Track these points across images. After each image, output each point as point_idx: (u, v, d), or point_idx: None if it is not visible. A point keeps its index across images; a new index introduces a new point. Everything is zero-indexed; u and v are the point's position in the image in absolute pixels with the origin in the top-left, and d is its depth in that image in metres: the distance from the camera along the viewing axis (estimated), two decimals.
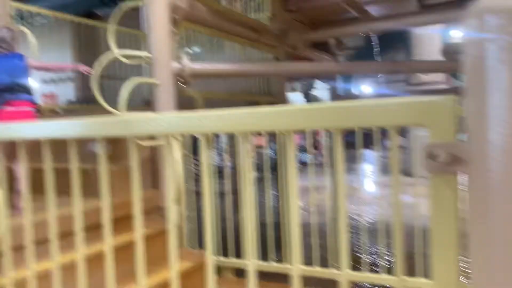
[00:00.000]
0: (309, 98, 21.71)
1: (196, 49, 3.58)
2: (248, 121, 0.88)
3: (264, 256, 2.38)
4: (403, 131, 3.72)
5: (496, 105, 0.59)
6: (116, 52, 2.68)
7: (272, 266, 2.59)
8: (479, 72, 0.62)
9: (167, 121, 1.00)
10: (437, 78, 9.12)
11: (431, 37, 8.87)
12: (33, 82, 3.96)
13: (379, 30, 5.55)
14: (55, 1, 11.81)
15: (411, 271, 2.63)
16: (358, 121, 0.76)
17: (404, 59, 10.24)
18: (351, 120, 0.76)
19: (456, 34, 4.99)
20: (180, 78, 2.84)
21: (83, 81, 6.08)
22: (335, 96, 6.10)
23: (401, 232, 0.75)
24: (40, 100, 4.52)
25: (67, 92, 6.80)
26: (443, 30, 7.70)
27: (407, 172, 2.64)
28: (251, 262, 0.92)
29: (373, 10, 4.73)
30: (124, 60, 2.76)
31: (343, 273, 0.82)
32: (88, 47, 5.24)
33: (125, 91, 2.53)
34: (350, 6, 4.44)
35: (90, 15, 13.45)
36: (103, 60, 2.66)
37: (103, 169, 1.10)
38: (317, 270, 2.86)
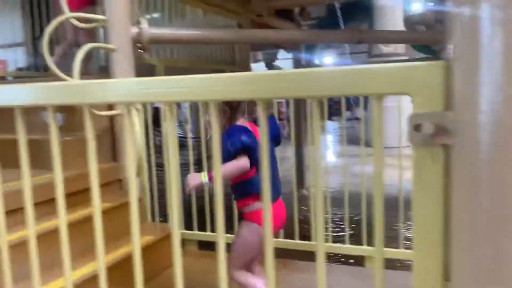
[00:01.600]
0: (272, 68, 21.64)
1: (156, 14, 3.40)
2: (215, 88, 0.80)
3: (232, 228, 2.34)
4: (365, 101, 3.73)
5: (490, 71, 0.54)
6: (69, 15, 2.48)
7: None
8: (470, 34, 0.56)
9: (126, 87, 0.90)
10: (398, 50, 9.25)
11: (393, 9, 8.93)
12: None
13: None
14: None
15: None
16: (337, 89, 0.70)
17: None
18: (330, 88, 0.70)
19: (418, 6, 5.04)
20: (139, 43, 2.69)
21: (34, 46, 5.71)
22: (298, 66, 6.05)
23: (380, 201, 0.71)
24: None
25: (17, 58, 6.38)
26: (405, 1, 7.75)
27: (369, 143, 2.65)
28: (221, 236, 0.86)
29: None
30: (77, 23, 2.57)
31: (320, 244, 0.78)
32: (40, 10, 4.91)
33: (79, 56, 2.36)
34: None
35: None
36: (54, 23, 2.46)
37: (54, 139, 1.00)
38: (295, 242, 2.88)
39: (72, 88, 0.97)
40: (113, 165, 2.78)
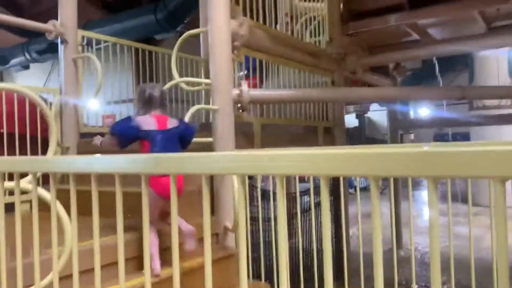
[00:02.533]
0: (363, 120, 21.30)
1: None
2: (324, 165, 0.82)
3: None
4: None
5: None
6: (178, 79, 2.73)
7: None
8: None
9: (238, 160, 0.96)
10: (503, 102, 8.64)
11: (496, 59, 8.45)
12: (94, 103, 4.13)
13: (442, 54, 5.35)
14: (116, 28, 12.45)
15: None
16: (452, 171, 0.69)
17: (467, 82, 9.82)
18: (444, 169, 0.69)
19: None
20: (239, 104, 2.85)
21: None
22: (394, 119, 5.91)
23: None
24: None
25: (128, 113, 7.02)
26: (510, 51, 7.30)
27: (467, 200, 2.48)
28: None
29: (435, 32, 4.56)
30: (185, 87, 2.81)
31: None
32: (147, 72, 5.41)
33: (187, 115, 2.56)
34: (411, 28, 4.31)
35: (149, 40, 14.06)
36: (168, 85, 2.72)
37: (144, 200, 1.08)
38: None
39: (193, 159, 1.05)
40: (211, 219, 2.89)
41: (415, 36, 4.49)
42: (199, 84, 2.96)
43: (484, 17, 3.98)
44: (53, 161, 1.28)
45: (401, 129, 5.45)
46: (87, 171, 1.12)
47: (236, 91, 2.80)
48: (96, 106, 4.45)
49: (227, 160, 0.99)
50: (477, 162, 0.65)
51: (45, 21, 3.51)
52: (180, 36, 11.19)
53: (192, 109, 2.59)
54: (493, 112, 7.48)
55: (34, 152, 3.44)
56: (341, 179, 3.23)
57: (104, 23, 12.88)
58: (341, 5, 4.38)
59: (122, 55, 4.41)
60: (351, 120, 20.67)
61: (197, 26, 5.83)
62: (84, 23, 12.80)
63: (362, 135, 21.87)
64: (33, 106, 3.34)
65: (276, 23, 4.44)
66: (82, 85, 3.70)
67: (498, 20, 4.16)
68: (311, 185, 2.44)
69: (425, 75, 17.33)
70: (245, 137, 3.16)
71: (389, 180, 2.59)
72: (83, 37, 3.79)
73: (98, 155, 1.10)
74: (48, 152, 1.92)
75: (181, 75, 4.88)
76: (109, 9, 13.79)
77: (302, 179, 4.39)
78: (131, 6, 13.78)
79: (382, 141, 18.63)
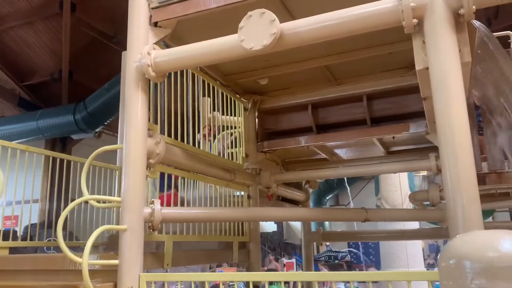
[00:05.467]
0: (281, 224, 21.61)
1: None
2: None
3: None
4: None
5: None
6: (88, 197, 2.63)
7: None
8: None
9: None
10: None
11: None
12: None
13: (349, 175, 5.79)
14: (31, 126, 12.00)
15: None
16: None
17: (373, 192, 10.55)
18: None
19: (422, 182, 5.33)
20: (150, 223, 2.77)
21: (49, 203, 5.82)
22: (307, 232, 6.05)
23: None
24: None
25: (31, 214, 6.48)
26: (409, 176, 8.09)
27: None
28: None
29: (341, 153, 4.98)
30: (96, 204, 2.71)
31: None
32: (60, 176, 5.16)
33: (92, 238, 2.42)
34: (319, 149, 4.67)
35: (65, 138, 13.65)
36: (72, 205, 2.59)
37: None
38: None
39: None
40: None
41: (324, 155, 4.86)
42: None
43: (382, 143, 4.46)
44: None
45: (314, 240, 5.58)
46: None
47: (148, 210, 2.74)
48: None
49: None
50: None
51: None
52: (98, 136, 10.95)
53: (98, 230, 2.47)
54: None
55: None
56: None
57: (18, 120, 12.40)
58: (257, 124, 4.66)
59: (32, 158, 4.21)
60: (270, 225, 20.89)
61: (117, 128, 5.80)
62: None
63: (280, 239, 22.02)
64: None
65: (195, 134, 4.58)
66: None
67: (395, 146, 4.69)
68: None
69: (336, 184, 18.37)
70: (154, 256, 3.03)
71: None
72: None
73: None
74: None
75: (93, 184, 4.72)
76: (25, 107, 13.40)
77: None
78: (49, 105, 13.53)
79: (300, 247, 18.86)
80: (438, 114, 2.12)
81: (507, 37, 5.23)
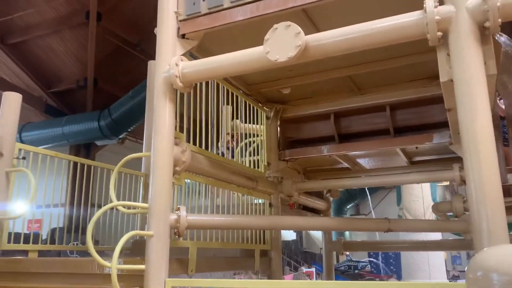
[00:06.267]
0: (301, 233, 21.53)
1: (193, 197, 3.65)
2: None
3: None
4: None
5: None
6: (116, 203, 2.72)
7: None
8: None
9: None
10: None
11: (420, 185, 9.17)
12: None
13: (372, 185, 5.78)
14: (56, 131, 12.31)
15: None
16: None
17: (395, 202, 10.44)
18: None
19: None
20: (175, 229, 2.84)
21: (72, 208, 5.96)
22: (328, 241, 6.04)
23: None
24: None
25: (58, 218, 6.63)
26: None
27: None
28: None
29: (364, 162, 4.98)
30: (124, 210, 2.79)
31: None
32: (85, 182, 5.29)
33: (120, 244, 2.50)
34: (341, 158, 4.68)
35: (90, 144, 13.94)
36: (102, 210, 2.68)
37: None
38: None
39: None
40: None
41: (346, 165, 4.87)
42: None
43: (405, 153, 4.45)
44: None
45: (335, 250, 5.57)
46: None
47: (173, 217, 2.81)
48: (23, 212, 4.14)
49: None
50: None
51: None
52: (122, 142, 11.16)
53: (126, 236, 2.55)
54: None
55: None
56: None
57: (44, 126, 12.75)
58: (279, 133, 4.71)
59: (60, 164, 4.35)
60: (289, 233, 20.83)
61: (141, 134, 5.89)
62: (23, 124, 12.60)
63: (300, 248, 21.92)
64: None
65: (218, 141, 4.65)
66: (12, 199, 3.57)
67: (418, 156, 4.67)
68: None
69: (357, 194, 18.24)
70: (179, 262, 3.10)
71: None
72: (20, 150, 3.74)
73: None
74: None
75: (118, 190, 4.84)
76: (51, 113, 13.76)
77: None
78: (74, 111, 13.87)
79: (319, 256, 18.72)
80: (463, 126, 2.13)
81: None
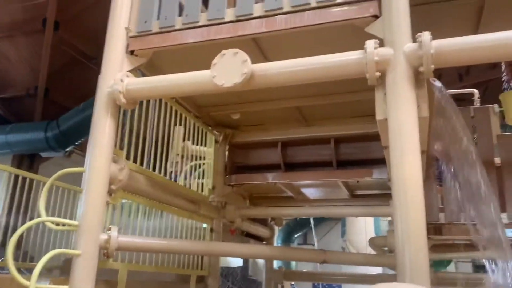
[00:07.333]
0: (247, 260, 21.28)
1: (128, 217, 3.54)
2: None
3: None
4: None
5: None
6: (44, 218, 2.58)
7: None
8: None
9: None
10: None
11: (364, 219, 9.39)
12: None
13: (314, 215, 5.85)
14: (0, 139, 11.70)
15: None
16: None
17: (340, 234, 10.60)
18: None
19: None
20: (105, 250, 2.73)
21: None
22: (270, 269, 6.01)
23: None
24: None
25: None
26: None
27: None
28: None
29: (308, 192, 5.05)
30: (52, 227, 2.66)
31: None
32: (22, 195, 5.04)
33: (41, 263, 2.36)
34: (286, 187, 4.72)
35: (34, 156, 13.33)
36: (28, 225, 2.54)
37: None
38: None
39: None
40: None
41: (291, 193, 4.91)
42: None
43: (347, 186, 4.56)
44: None
45: (275, 279, 5.54)
46: None
47: (104, 237, 2.70)
48: None
49: None
50: None
51: None
52: (68, 156, 10.70)
53: (50, 254, 2.42)
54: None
55: None
56: None
57: None
58: (226, 157, 4.70)
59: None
60: (236, 260, 20.54)
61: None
62: None
63: (245, 275, 21.63)
64: None
65: (166, 162, 4.56)
66: None
67: (359, 189, 4.79)
68: None
69: (305, 223, 18.36)
70: (107, 284, 2.97)
71: None
72: None
73: None
74: None
75: (54, 205, 4.63)
76: None
77: None
78: (21, 120, 13.27)
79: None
80: (393, 164, 2.21)
81: (472, 94, 5.49)
